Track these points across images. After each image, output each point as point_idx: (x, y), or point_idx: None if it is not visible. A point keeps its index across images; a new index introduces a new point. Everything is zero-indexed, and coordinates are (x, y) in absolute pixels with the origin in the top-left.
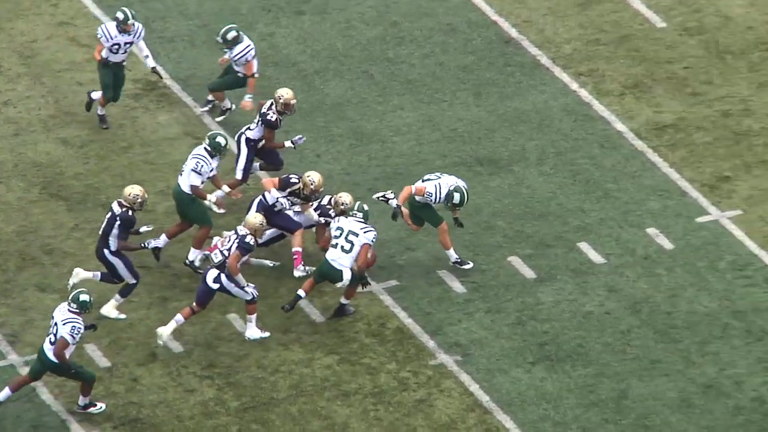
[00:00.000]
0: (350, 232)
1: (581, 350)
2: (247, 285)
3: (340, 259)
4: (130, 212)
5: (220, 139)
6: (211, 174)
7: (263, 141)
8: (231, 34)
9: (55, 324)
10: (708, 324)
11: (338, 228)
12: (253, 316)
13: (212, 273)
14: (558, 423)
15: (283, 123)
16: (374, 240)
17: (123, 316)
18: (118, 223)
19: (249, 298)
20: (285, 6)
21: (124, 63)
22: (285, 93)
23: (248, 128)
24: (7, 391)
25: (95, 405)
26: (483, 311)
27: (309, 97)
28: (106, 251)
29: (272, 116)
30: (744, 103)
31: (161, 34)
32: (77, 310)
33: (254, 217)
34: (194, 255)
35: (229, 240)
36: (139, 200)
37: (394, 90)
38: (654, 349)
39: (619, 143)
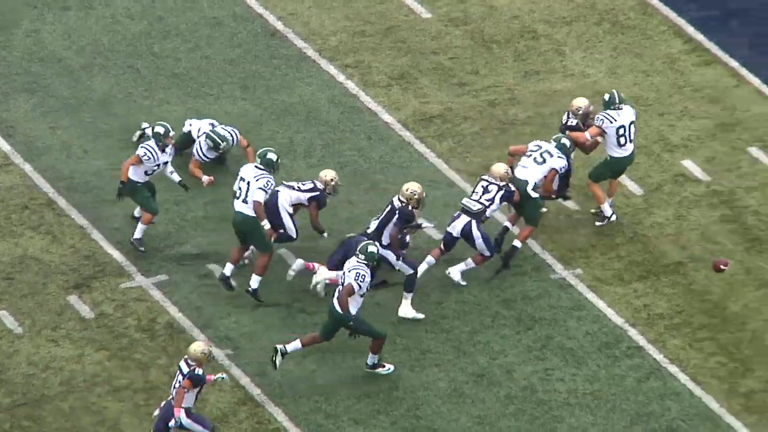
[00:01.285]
0: (546, 150)
1: (352, 341)
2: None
3: (528, 169)
4: (409, 207)
5: (271, 155)
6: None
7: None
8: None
9: (344, 273)
10: (478, 313)
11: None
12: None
13: (463, 220)
14: (330, 415)
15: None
16: (563, 168)
17: (420, 315)
18: (396, 217)
19: (488, 254)
20: (50, 2)
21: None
22: (578, 102)
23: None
24: (297, 343)
25: (383, 366)
26: (253, 304)
27: (75, 93)
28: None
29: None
30: (510, 92)
31: None
32: (365, 262)
33: (500, 167)
34: (256, 281)
35: (483, 192)
36: (416, 197)
37: (160, 84)
38: (425, 339)
39: (386, 134)
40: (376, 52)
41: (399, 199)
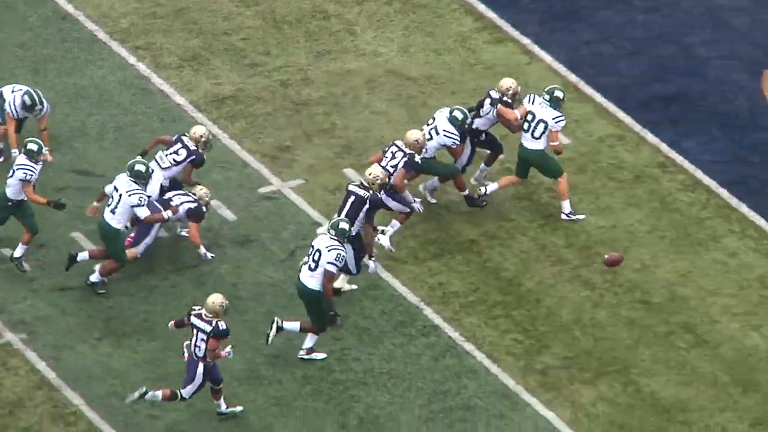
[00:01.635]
0: (435, 125)
1: (147, 325)
2: (414, 201)
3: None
4: (378, 193)
5: (140, 167)
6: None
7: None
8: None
9: (317, 251)
10: (273, 294)
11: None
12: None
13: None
14: (126, 398)
15: None
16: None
17: (354, 286)
18: (367, 207)
19: (409, 210)
20: None
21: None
22: (508, 83)
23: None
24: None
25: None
26: (48, 288)
27: None
28: None
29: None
30: (302, 72)
31: None
32: (336, 238)
33: (412, 134)
34: (96, 277)
35: (390, 159)
36: (379, 181)
37: None
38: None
39: (179, 116)
40: (168, 33)
41: (361, 185)
